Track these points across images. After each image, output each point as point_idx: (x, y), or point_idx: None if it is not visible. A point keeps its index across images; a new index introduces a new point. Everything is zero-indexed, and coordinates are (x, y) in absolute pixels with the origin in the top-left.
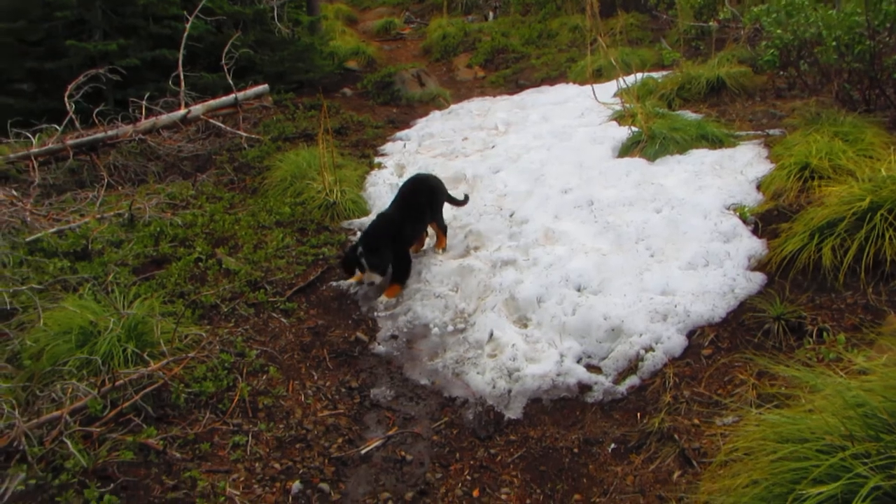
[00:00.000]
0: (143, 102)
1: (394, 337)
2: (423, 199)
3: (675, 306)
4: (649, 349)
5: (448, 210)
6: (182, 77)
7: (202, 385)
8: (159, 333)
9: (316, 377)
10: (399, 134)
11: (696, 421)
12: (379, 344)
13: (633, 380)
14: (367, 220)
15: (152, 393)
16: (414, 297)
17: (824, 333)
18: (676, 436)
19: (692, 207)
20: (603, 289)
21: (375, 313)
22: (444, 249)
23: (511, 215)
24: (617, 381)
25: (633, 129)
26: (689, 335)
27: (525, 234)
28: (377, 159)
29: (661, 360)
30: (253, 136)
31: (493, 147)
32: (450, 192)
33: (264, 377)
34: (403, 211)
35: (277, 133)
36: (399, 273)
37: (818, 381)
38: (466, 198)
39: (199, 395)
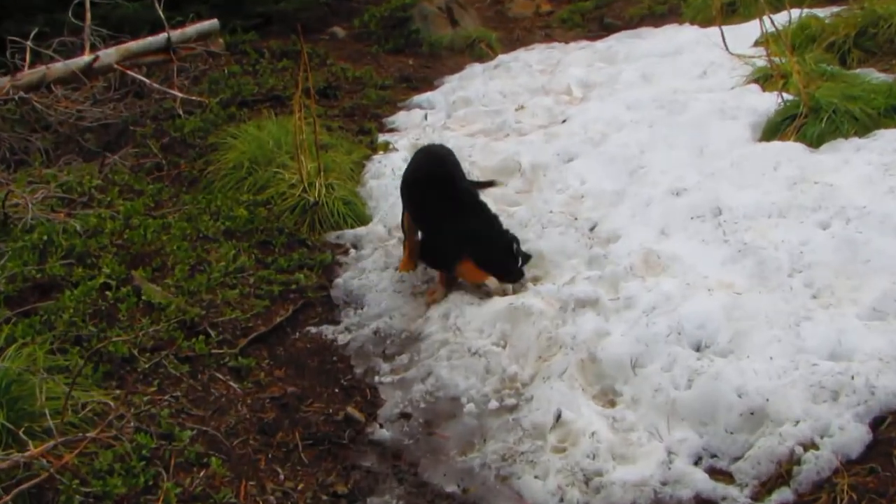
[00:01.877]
0: (28, 43)
1: (404, 416)
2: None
3: (853, 378)
4: (810, 446)
5: None
6: (88, 5)
7: (107, 483)
8: (43, 400)
9: (282, 476)
10: (417, 98)
11: None
12: (381, 426)
13: (783, 494)
14: (366, 231)
15: (30, 492)
16: (437, 352)
17: None
18: None
19: (880, 221)
20: (736, 348)
21: (377, 377)
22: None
23: (591, 229)
24: (758, 497)
25: (785, 96)
26: (875, 424)
27: (613, 258)
28: (383, 137)
29: (829, 464)
30: (193, 97)
31: (563, 122)
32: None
33: (202, 473)
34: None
35: (231, 94)
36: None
37: None
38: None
39: (101, 499)
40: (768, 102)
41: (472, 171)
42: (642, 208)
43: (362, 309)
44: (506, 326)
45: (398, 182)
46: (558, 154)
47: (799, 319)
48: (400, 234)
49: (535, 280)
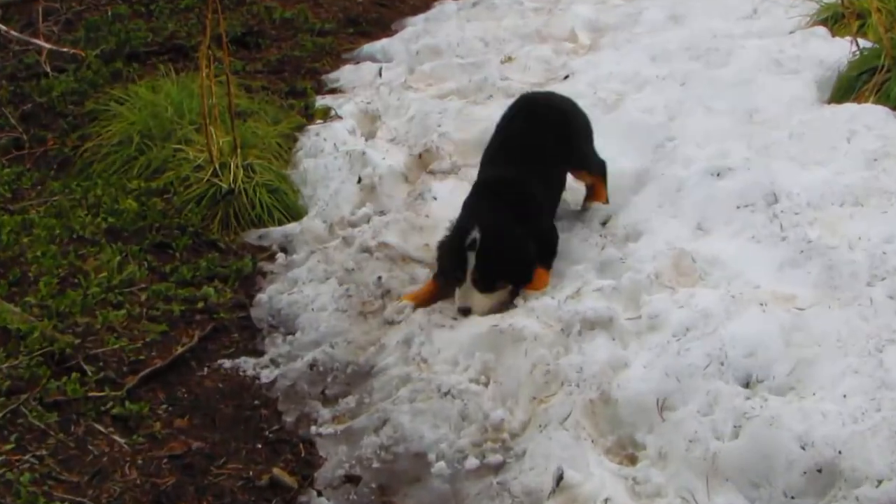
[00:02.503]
0: None
1: (351, 479)
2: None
3: None
4: None
5: None
6: None
7: None
8: None
9: None
10: (369, 48)
11: None
12: (320, 494)
13: None
14: (299, 229)
15: None
16: (396, 392)
17: None
18: None
19: None
20: (798, 383)
21: (314, 428)
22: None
23: (604, 223)
24: None
25: (862, 43)
26: None
27: (632, 262)
28: (322, 101)
29: None
30: (65, 49)
31: (565, 78)
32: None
33: None
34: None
35: (116, 44)
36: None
37: None
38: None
39: None
40: (839, 51)
41: (442, 146)
42: (672, 195)
43: (294, 334)
44: (488, 356)
45: (344, 161)
46: None
47: (882, 343)
48: (346, 231)
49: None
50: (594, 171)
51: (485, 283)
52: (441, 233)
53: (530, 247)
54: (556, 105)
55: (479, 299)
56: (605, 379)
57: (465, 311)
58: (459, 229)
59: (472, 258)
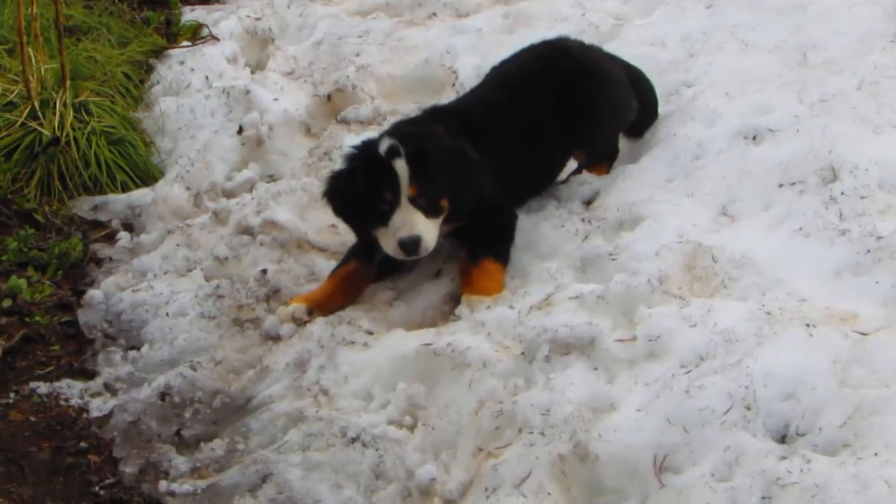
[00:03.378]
0: None
1: None
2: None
3: None
4: None
5: None
6: None
7: None
8: None
9: None
10: None
11: None
12: None
13: None
14: (151, 197)
15: None
16: (283, 436)
17: None
18: None
19: None
20: (855, 438)
21: (165, 483)
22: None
23: (587, 202)
24: None
25: None
26: None
27: (627, 257)
28: (191, 14)
29: None
30: None
31: None
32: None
33: None
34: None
35: None
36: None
37: None
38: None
39: None
40: None
41: (361, 84)
42: (687, 164)
43: (139, 349)
44: (416, 389)
45: (219, 101)
46: None
47: None
48: (218, 203)
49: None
50: (601, 160)
51: (430, 196)
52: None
53: (481, 163)
54: (578, 61)
55: (426, 224)
56: (581, 426)
57: (413, 246)
58: (365, 146)
59: (400, 166)
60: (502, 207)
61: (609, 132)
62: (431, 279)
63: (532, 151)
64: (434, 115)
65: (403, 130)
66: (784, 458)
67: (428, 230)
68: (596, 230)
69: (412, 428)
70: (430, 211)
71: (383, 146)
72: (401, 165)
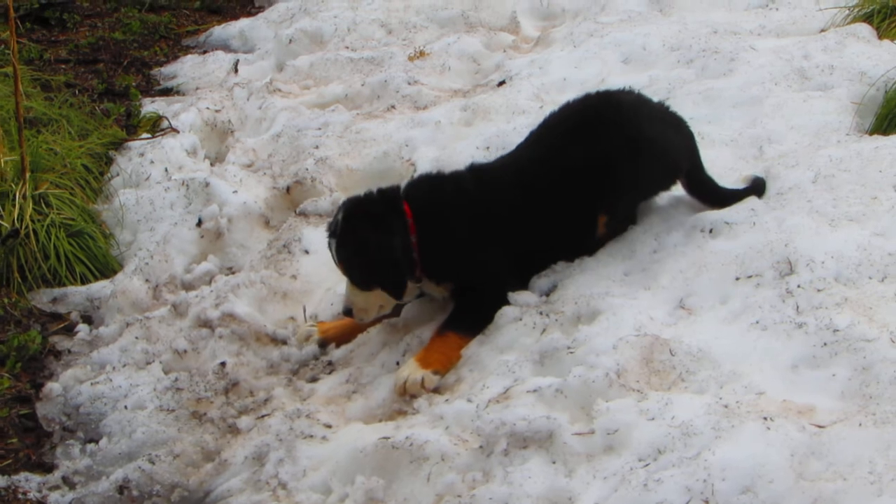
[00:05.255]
0: None
1: None
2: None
3: None
4: None
5: None
6: None
7: None
8: None
9: None
10: (222, 31)
11: None
12: None
13: None
14: (111, 290)
15: None
16: None
17: None
18: None
19: None
20: None
21: None
22: None
23: (546, 293)
24: None
25: None
26: None
27: (585, 351)
28: (151, 106)
29: None
30: None
31: (500, 84)
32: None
33: None
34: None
35: None
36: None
37: None
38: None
39: None
40: (888, 60)
41: (320, 177)
42: (645, 258)
43: (97, 443)
44: (375, 482)
45: (178, 194)
46: (488, 148)
47: None
48: (177, 295)
49: (437, 391)
50: (618, 227)
51: (355, 279)
52: (317, 300)
53: (393, 252)
54: (617, 111)
55: (359, 298)
56: None
57: (347, 313)
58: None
59: (332, 245)
60: (490, 284)
61: (633, 199)
62: (390, 372)
63: (558, 209)
64: (467, 172)
65: (350, 206)
66: None
67: (359, 303)
68: (554, 323)
69: None
70: (363, 287)
71: (333, 219)
72: (331, 244)
